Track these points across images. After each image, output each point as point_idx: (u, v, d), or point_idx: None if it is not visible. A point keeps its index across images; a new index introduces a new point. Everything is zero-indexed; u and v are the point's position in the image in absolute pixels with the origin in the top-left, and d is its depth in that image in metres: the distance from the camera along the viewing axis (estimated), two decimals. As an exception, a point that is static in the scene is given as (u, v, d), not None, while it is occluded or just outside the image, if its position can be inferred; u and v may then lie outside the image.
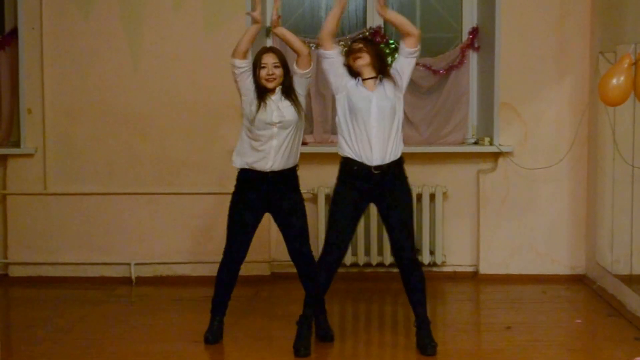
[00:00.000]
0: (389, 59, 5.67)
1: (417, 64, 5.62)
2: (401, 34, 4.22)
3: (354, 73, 4.18)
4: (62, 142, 5.65)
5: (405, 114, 5.71)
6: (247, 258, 5.49)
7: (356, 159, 4.09)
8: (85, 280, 5.66)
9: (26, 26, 5.58)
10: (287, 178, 4.29)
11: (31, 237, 5.68)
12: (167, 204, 5.61)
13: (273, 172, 4.24)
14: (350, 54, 4.17)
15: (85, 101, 5.63)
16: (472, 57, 5.76)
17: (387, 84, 4.15)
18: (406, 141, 5.69)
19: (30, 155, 5.65)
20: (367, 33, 5.71)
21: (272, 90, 4.25)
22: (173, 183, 5.60)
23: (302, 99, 4.30)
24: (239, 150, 4.32)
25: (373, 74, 4.15)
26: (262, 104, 4.20)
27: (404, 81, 4.18)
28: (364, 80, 4.15)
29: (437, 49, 5.80)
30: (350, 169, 4.11)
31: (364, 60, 4.14)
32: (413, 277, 4.15)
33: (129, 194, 5.64)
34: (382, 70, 4.17)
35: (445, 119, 5.74)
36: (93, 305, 5.12)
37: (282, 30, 4.27)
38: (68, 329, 4.63)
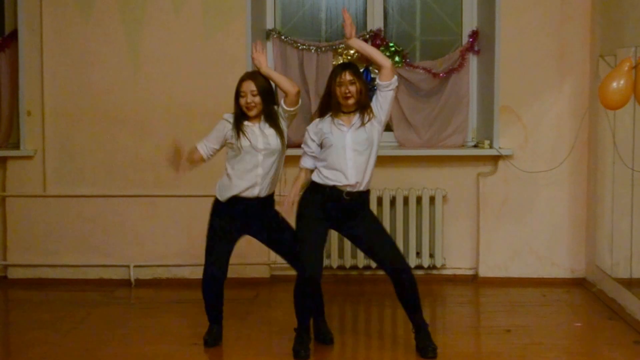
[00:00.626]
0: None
1: (416, 67, 5.71)
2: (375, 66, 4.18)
3: (330, 103, 4.12)
4: (61, 144, 5.65)
5: (405, 116, 5.75)
6: (247, 260, 5.53)
7: (328, 183, 4.09)
8: (84, 282, 5.66)
9: (26, 28, 5.58)
10: (268, 202, 4.31)
11: (30, 239, 5.68)
12: (166, 206, 5.61)
13: (258, 199, 4.25)
14: (338, 85, 4.09)
15: (84, 103, 5.63)
16: (472, 60, 5.76)
17: (365, 116, 4.12)
18: (406, 144, 5.77)
19: (29, 157, 5.65)
20: (368, 36, 5.71)
21: (257, 117, 4.23)
22: (173, 185, 5.60)
23: (285, 130, 4.29)
24: (222, 185, 4.30)
25: (353, 109, 4.12)
26: (242, 131, 4.19)
27: (382, 116, 4.14)
28: (340, 114, 4.11)
29: (437, 52, 5.80)
30: (322, 189, 4.09)
31: (352, 100, 4.08)
32: (407, 285, 4.12)
33: (128, 196, 5.64)
34: (364, 105, 4.12)
35: (445, 122, 5.74)
36: (92, 308, 5.11)
37: (268, 71, 4.26)
38: (67, 331, 4.62)
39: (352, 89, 4.09)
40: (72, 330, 4.65)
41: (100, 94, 5.62)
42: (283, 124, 4.29)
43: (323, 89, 5.57)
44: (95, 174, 5.66)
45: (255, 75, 4.28)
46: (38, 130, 5.63)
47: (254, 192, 4.24)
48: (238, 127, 4.23)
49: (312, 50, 5.72)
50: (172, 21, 5.57)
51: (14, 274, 5.73)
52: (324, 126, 4.16)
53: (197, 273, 5.56)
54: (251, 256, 5.48)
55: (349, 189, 4.09)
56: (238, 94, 4.24)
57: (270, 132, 4.24)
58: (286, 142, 4.31)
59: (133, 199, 5.63)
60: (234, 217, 4.27)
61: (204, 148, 4.33)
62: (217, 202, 4.34)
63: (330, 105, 4.16)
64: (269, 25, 5.81)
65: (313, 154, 4.20)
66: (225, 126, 4.28)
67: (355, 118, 4.13)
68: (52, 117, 5.63)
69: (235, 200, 4.25)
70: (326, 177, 4.10)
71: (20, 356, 4.26)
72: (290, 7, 5.88)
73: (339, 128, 4.12)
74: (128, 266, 5.67)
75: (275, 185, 4.38)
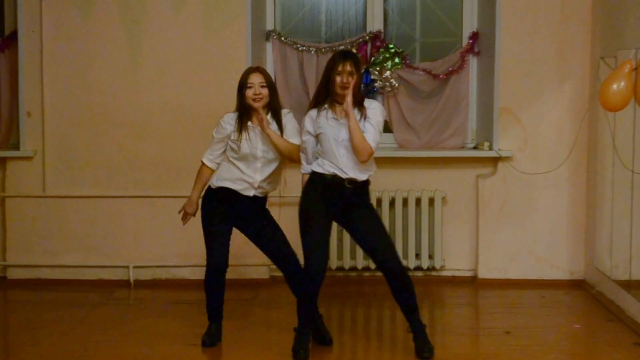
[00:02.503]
0: (388, 63, 5.70)
1: (416, 68, 5.72)
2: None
3: (327, 94, 4.10)
4: (61, 145, 5.65)
5: (404, 118, 5.74)
6: (247, 262, 5.53)
7: (328, 173, 4.08)
8: (83, 283, 5.65)
9: (26, 29, 5.58)
10: (262, 201, 4.31)
11: (30, 240, 5.68)
12: (165, 207, 5.60)
13: (254, 197, 4.25)
14: (338, 74, 4.04)
15: (84, 104, 5.63)
16: (472, 62, 5.76)
17: (361, 113, 4.09)
18: (406, 145, 5.76)
19: (29, 158, 5.65)
20: (367, 37, 5.71)
21: (257, 113, 4.20)
22: (172, 186, 5.60)
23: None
24: (219, 174, 4.29)
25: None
26: (244, 130, 4.19)
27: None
28: (336, 105, 4.08)
29: (437, 53, 5.80)
30: (322, 179, 4.08)
31: (349, 90, 4.03)
32: (403, 287, 4.12)
33: (127, 197, 5.64)
34: (359, 100, 4.10)
35: (444, 124, 5.73)
36: (91, 308, 5.11)
37: (266, 122, 4.18)
38: (66, 332, 4.62)
39: (351, 79, 4.05)
40: (71, 330, 4.65)
41: (100, 95, 5.62)
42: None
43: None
44: (95, 174, 5.65)
45: (262, 69, 4.31)
46: (38, 131, 5.63)
47: (250, 193, 4.24)
48: (241, 126, 4.20)
49: (312, 52, 5.72)
50: (172, 22, 5.57)
51: (13, 274, 5.73)
52: (320, 119, 4.13)
53: (197, 274, 5.61)
54: (250, 257, 5.48)
55: (347, 180, 4.08)
56: (243, 86, 4.21)
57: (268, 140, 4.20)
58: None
59: (132, 199, 5.63)
60: (226, 208, 4.24)
61: (210, 162, 4.31)
62: (208, 193, 4.30)
63: (326, 95, 4.10)
64: (269, 26, 5.81)
65: (311, 150, 4.17)
66: (226, 127, 4.26)
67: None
68: (52, 118, 5.63)
69: (229, 192, 4.23)
70: (326, 166, 4.09)
71: (19, 356, 4.26)
72: (290, 8, 5.88)
73: (334, 121, 4.09)
74: (127, 267, 5.67)
75: (275, 188, 4.38)
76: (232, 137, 4.23)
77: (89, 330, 4.67)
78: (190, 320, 4.76)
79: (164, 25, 5.56)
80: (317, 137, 4.16)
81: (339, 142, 4.08)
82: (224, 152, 4.30)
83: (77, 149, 5.65)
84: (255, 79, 4.20)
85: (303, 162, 4.25)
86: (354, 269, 5.66)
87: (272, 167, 4.25)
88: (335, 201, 4.10)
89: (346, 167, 4.08)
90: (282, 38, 5.74)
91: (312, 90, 5.71)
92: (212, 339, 4.35)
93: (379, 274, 5.48)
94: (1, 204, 5.72)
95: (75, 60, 5.61)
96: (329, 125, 4.10)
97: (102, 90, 5.62)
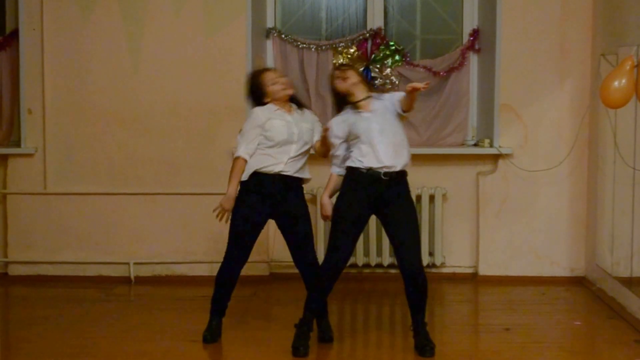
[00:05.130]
0: (389, 60, 5.71)
1: (417, 65, 5.72)
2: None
3: (343, 101, 4.16)
4: (62, 142, 5.66)
5: (405, 115, 5.74)
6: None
7: (365, 165, 4.08)
8: (84, 279, 5.67)
9: (27, 27, 5.59)
10: (293, 184, 4.27)
11: (31, 236, 5.69)
12: (166, 204, 5.61)
13: (280, 175, 4.21)
14: (336, 79, 4.17)
15: (85, 101, 5.64)
16: (473, 59, 5.76)
17: (386, 99, 4.15)
18: (406, 142, 5.75)
19: (30, 155, 5.66)
20: (368, 35, 5.71)
21: (287, 105, 4.26)
22: (172, 183, 5.61)
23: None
24: (249, 166, 4.24)
25: (365, 94, 4.13)
26: (280, 119, 4.21)
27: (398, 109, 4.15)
28: (357, 102, 4.12)
29: (437, 50, 5.80)
30: (359, 173, 4.08)
31: (353, 79, 4.13)
32: (419, 288, 4.12)
33: (128, 194, 5.64)
34: (370, 89, 4.19)
35: (445, 121, 5.73)
36: (92, 304, 5.12)
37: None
38: (67, 328, 4.63)
39: (349, 73, 4.15)
40: (71, 326, 4.66)
41: (101, 92, 5.63)
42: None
43: (323, 87, 5.62)
44: (96, 171, 5.66)
45: (268, 67, 4.43)
46: (39, 128, 5.64)
47: (277, 168, 4.19)
48: (272, 116, 4.21)
49: (312, 49, 5.72)
50: (173, 20, 5.57)
51: (14, 270, 5.74)
52: (348, 117, 4.15)
53: (196, 270, 5.62)
54: (251, 254, 5.47)
55: (385, 170, 4.07)
56: (263, 86, 4.24)
57: (304, 124, 4.26)
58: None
59: (133, 196, 5.64)
60: (261, 197, 4.20)
61: (246, 154, 4.22)
62: (242, 188, 4.25)
63: (343, 102, 4.20)
64: (269, 24, 5.81)
65: (341, 152, 4.19)
66: (260, 116, 4.22)
67: (374, 103, 4.13)
68: (53, 115, 5.64)
69: (261, 176, 4.19)
70: (361, 161, 4.08)
71: (20, 352, 4.27)
72: (291, 5, 5.88)
73: (362, 116, 4.11)
74: (128, 263, 5.68)
75: (304, 172, 4.31)
76: (267, 131, 4.21)
77: (90, 326, 4.67)
78: (191, 317, 4.76)
79: (165, 23, 5.57)
80: (348, 136, 4.15)
81: (372, 131, 4.07)
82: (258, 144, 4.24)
83: (77, 146, 5.66)
84: (273, 74, 4.30)
85: (332, 161, 4.24)
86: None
87: (304, 149, 4.26)
88: (374, 195, 4.09)
89: (384, 155, 4.05)
90: (283, 36, 5.74)
91: (312, 88, 5.72)
92: (213, 335, 4.35)
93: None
94: (2, 201, 5.73)
95: (76, 58, 5.62)
96: (360, 118, 4.11)
97: (102, 87, 5.62)
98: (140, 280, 5.65)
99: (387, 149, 4.06)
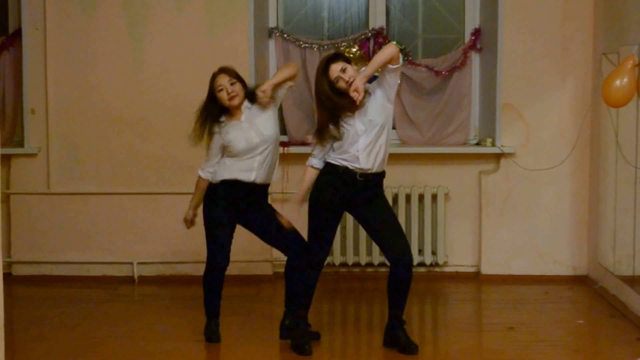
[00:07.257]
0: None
1: (419, 65, 5.72)
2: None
3: (339, 93, 4.02)
4: (65, 142, 5.67)
5: (407, 114, 5.75)
6: (250, 257, 5.55)
7: (342, 164, 4.07)
8: (88, 279, 5.68)
9: (30, 27, 5.59)
10: (263, 190, 4.31)
11: (34, 236, 5.70)
12: (169, 203, 5.61)
13: (254, 185, 4.23)
14: (337, 81, 4.01)
15: (88, 101, 5.65)
16: (475, 58, 5.77)
17: (378, 95, 4.07)
18: (408, 142, 5.77)
19: (33, 155, 5.67)
20: (370, 34, 5.72)
21: (238, 110, 4.21)
22: (175, 183, 5.61)
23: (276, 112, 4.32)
24: (217, 173, 4.27)
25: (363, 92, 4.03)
26: (232, 128, 4.20)
27: (392, 94, 4.08)
28: (358, 103, 4.02)
29: (439, 50, 5.81)
30: (335, 171, 4.08)
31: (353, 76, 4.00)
32: (405, 282, 4.11)
33: (131, 193, 5.65)
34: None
35: (447, 120, 5.74)
36: (96, 304, 5.13)
37: (271, 82, 4.20)
38: (70, 328, 4.64)
39: (350, 73, 4.02)
40: (75, 326, 4.67)
41: (104, 92, 5.64)
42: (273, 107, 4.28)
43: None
44: (99, 171, 5.67)
45: (224, 68, 4.30)
46: (42, 128, 5.65)
47: (250, 177, 4.22)
48: (217, 126, 4.21)
49: (315, 49, 5.73)
50: (175, 20, 5.58)
51: (18, 270, 5.75)
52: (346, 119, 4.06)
53: (200, 270, 5.58)
54: (254, 253, 5.50)
55: (361, 172, 4.07)
56: (213, 91, 4.22)
57: (260, 120, 4.22)
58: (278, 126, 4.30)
59: (136, 196, 5.65)
60: (229, 203, 4.24)
61: (206, 174, 4.32)
62: (210, 189, 4.30)
63: (339, 105, 4.02)
64: (272, 23, 5.82)
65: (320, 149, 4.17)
66: (216, 139, 4.26)
67: (366, 99, 4.06)
68: (56, 115, 5.65)
69: (230, 183, 4.22)
70: (339, 159, 4.08)
71: (24, 352, 4.28)
72: (293, 5, 5.89)
73: (347, 123, 4.06)
74: (131, 263, 5.69)
75: (271, 176, 4.33)
76: (227, 143, 4.22)
77: (93, 326, 4.69)
78: (194, 316, 4.76)
79: (167, 23, 5.58)
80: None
81: (357, 134, 4.04)
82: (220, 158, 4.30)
83: (81, 145, 5.67)
84: (223, 80, 4.23)
85: (311, 156, 4.20)
86: (357, 264, 5.66)
87: (270, 147, 4.23)
88: (348, 194, 4.09)
89: (362, 156, 4.04)
90: (285, 35, 5.75)
91: (314, 87, 5.70)
92: (215, 334, 4.37)
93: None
94: (6, 201, 5.74)
95: (79, 57, 5.62)
96: (345, 128, 4.06)
97: (105, 87, 5.63)
98: (144, 280, 5.66)
99: (366, 151, 4.04)
